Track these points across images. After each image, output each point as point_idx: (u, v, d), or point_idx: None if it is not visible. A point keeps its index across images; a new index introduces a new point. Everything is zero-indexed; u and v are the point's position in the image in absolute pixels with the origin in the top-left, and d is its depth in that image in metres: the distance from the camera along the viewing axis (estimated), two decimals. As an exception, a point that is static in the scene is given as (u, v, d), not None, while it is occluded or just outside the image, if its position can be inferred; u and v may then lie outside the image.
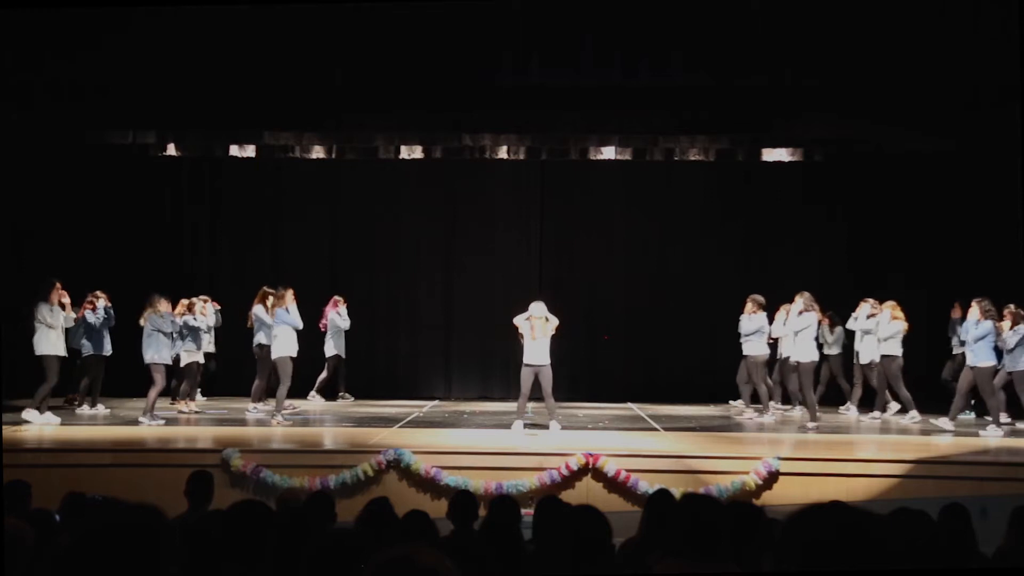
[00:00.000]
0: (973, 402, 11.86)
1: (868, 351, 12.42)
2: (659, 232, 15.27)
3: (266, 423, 11.38)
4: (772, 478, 8.71)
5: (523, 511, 5.23)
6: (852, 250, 14.60)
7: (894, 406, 12.32)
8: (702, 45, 11.86)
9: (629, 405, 13.72)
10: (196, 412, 12.16)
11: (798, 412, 12.22)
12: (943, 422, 11.10)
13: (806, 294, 11.53)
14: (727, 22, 11.55)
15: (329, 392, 13.86)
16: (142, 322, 11.30)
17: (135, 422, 11.04)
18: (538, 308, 10.78)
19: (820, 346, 13.12)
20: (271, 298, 11.79)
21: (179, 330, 11.75)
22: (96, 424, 11.10)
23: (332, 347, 13.60)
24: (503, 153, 14.04)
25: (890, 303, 12.23)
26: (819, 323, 13.08)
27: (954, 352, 12.53)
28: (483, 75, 12.29)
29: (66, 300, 11.43)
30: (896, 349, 12.01)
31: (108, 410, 12.02)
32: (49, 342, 11.02)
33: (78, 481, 7.04)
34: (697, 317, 12.75)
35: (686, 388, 13.42)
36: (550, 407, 10.76)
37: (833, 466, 9.01)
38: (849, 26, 11.29)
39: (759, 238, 15.06)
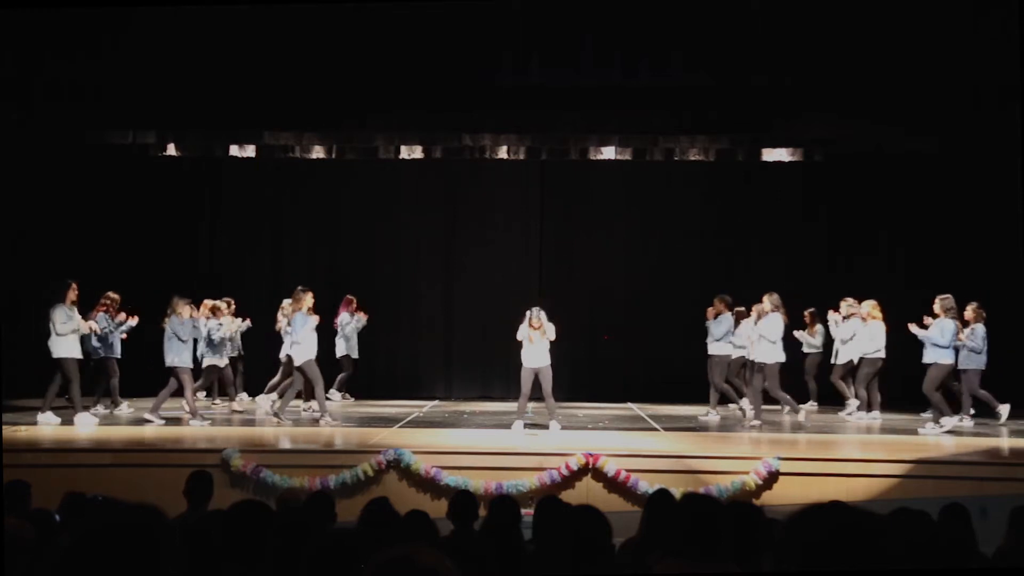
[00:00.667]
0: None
1: (847, 352, 12.46)
2: (659, 232, 15.27)
3: (268, 422, 11.40)
4: (772, 478, 8.71)
5: (523, 511, 5.23)
6: (852, 250, 14.59)
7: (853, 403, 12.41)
8: (702, 45, 11.87)
9: (629, 405, 13.72)
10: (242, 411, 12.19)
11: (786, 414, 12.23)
12: (952, 421, 11.14)
13: (774, 295, 11.52)
14: (727, 22, 11.56)
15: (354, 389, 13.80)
16: (164, 325, 11.28)
17: (137, 422, 11.05)
18: (536, 318, 10.77)
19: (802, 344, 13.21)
20: (293, 301, 11.58)
21: (203, 336, 11.57)
22: (97, 424, 11.06)
23: (343, 347, 13.55)
24: (503, 153, 14.04)
25: (870, 302, 12.25)
26: (805, 322, 13.13)
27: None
28: (483, 75, 12.31)
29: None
30: (877, 349, 12.06)
31: (131, 409, 12.00)
32: (66, 344, 10.98)
33: (78, 481, 7.03)
34: (697, 317, 12.73)
35: (686, 388, 13.41)
36: (550, 407, 10.77)
37: (833, 466, 9.01)
38: (849, 26, 11.30)
39: (759, 238, 15.06)
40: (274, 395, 12.16)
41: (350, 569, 2.80)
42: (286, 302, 12.56)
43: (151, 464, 8.82)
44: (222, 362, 12.52)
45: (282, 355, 12.58)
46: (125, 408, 11.98)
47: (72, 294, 11.11)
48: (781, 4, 11.46)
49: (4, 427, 8.42)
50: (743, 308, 12.37)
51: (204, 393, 12.98)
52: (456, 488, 7.88)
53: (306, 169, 14.83)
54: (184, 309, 11.26)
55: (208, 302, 12.37)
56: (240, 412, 12.23)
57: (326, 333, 13.08)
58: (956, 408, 11.57)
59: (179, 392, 11.22)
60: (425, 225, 15.33)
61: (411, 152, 14.11)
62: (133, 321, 12.02)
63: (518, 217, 15.37)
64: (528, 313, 10.77)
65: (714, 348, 12.46)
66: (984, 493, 7.95)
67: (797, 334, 13.13)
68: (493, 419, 11.91)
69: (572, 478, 8.75)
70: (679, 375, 13.08)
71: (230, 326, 12.55)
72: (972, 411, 11.67)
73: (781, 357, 11.40)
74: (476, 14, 11.43)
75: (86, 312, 11.50)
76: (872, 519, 2.40)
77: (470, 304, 15.07)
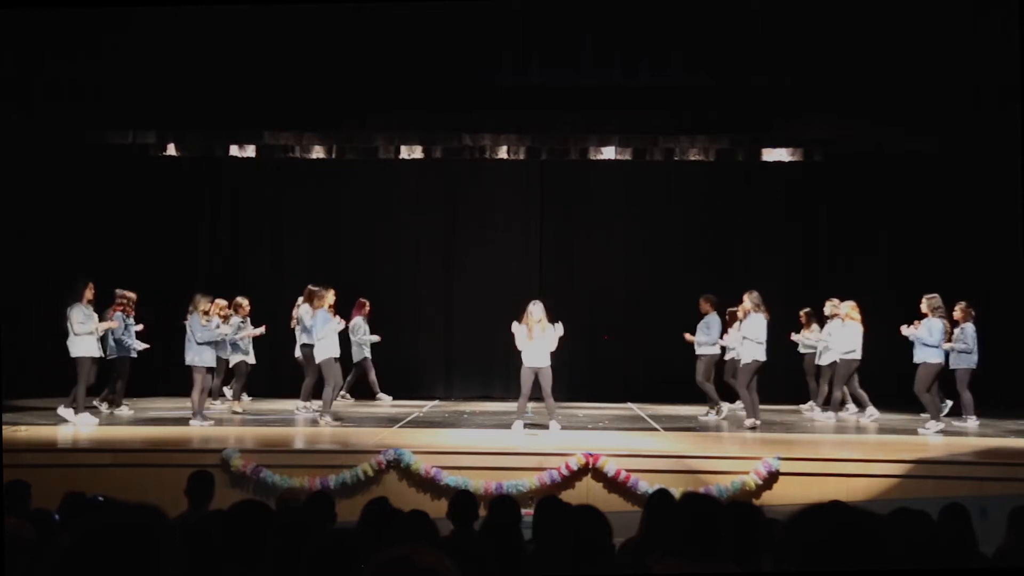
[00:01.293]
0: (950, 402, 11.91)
1: (830, 352, 12.51)
2: (659, 232, 15.26)
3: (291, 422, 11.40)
4: (772, 478, 8.71)
5: (523, 511, 5.23)
6: (852, 250, 14.59)
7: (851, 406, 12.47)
8: (702, 45, 11.87)
9: (629, 405, 13.72)
10: (238, 412, 12.21)
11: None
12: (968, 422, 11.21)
13: (754, 294, 11.51)
14: (727, 22, 11.56)
15: (366, 393, 13.80)
16: (185, 323, 11.27)
17: (136, 422, 11.05)
18: (536, 310, 10.75)
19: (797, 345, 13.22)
20: (315, 298, 11.59)
21: (218, 339, 11.57)
22: (100, 424, 11.04)
23: (360, 351, 13.51)
24: (503, 153, 14.03)
25: (849, 303, 12.27)
26: (801, 323, 13.14)
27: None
28: (483, 75, 12.31)
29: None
30: (851, 350, 12.08)
31: (131, 411, 11.99)
32: (84, 344, 10.97)
33: (78, 481, 7.03)
34: (697, 317, 12.74)
35: (686, 388, 13.40)
36: (550, 407, 10.76)
37: (833, 466, 9.01)
38: (849, 26, 11.30)
39: (759, 238, 15.06)
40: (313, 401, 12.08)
41: (350, 569, 2.80)
42: (300, 300, 12.60)
43: (151, 464, 8.81)
44: (251, 358, 12.56)
45: (297, 353, 12.60)
46: (126, 410, 11.96)
47: (89, 292, 11.12)
48: (781, 4, 11.46)
49: (4, 427, 8.42)
50: (735, 309, 12.39)
51: (241, 393, 12.96)
52: (456, 488, 7.88)
53: (306, 169, 14.83)
54: (204, 305, 11.22)
55: (220, 302, 12.31)
56: (240, 413, 12.22)
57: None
58: (957, 410, 11.59)
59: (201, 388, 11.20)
60: (425, 225, 15.33)
61: (411, 152, 14.11)
62: (138, 327, 12.03)
63: (518, 217, 15.37)
64: (528, 309, 10.74)
65: (701, 348, 12.49)
66: (984, 493, 7.96)
67: (795, 337, 13.14)
68: (493, 419, 11.91)
69: (572, 478, 8.75)
70: (679, 375, 13.07)
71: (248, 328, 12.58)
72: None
73: (761, 357, 11.35)
74: (476, 14, 11.43)
75: (101, 311, 11.49)
76: (872, 519, 2.40)
77: (470, 304, 15.06)
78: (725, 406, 12.59)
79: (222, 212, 15.37)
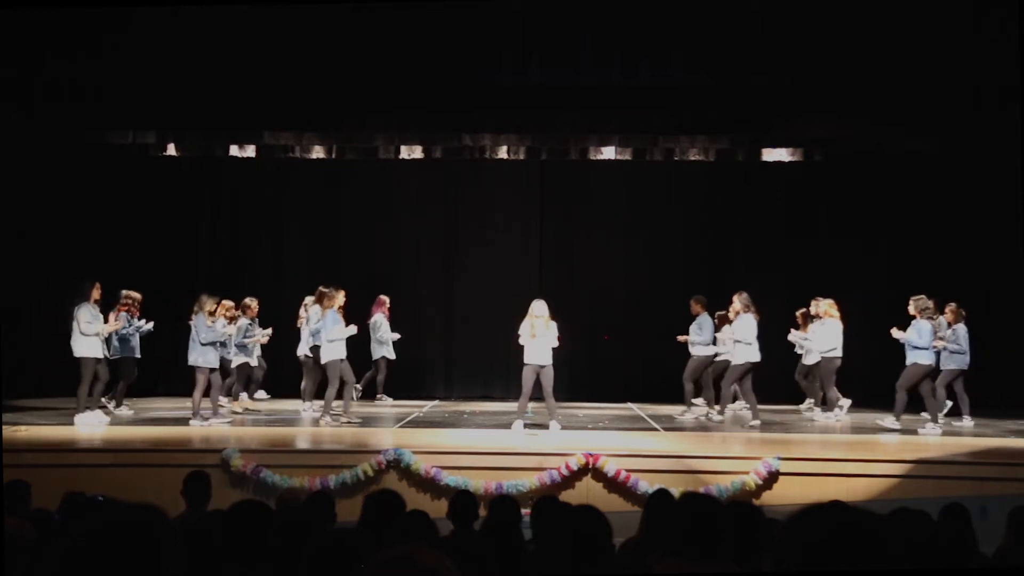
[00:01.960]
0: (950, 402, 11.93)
1: (813, 352, 12.55)
2: (659, 232, 15.26)
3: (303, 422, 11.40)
4: (772, 478, 8.72)
5: (523, 511, 5.23)
6: (852, 250, 14.57)
7: (846, 402, 12.43)
8: (702, 45, 11.87)
9: (629, 405, 13.72)
10: (241, 412, 12.21)
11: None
12: (964, 421, 11.25)
13: (744, 295, 11.54)
14: (727, 22, 11.55)
15: (370, 391, 13.80)
16: (191, 323, 11.26)
17: (136, 422, 11.05)
18: (539, 307, 10.76)
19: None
20: (325, 299, 11.54)
21: (221, 340, 11.52)
22: (99, 425, 11.04)
23: (379, 349, 13.48)
24: (503, 153, 14.03)
25: (828, 301, 12.28)
26: (798, 323, 13.14)
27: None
28: (483, 75, 12.30)
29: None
30: (831, 348, 12.09)
31: (131, 411, 11.99)
32: (88, 344, 10.96)
33: (78, 481, 7.03)
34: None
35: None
36: (550, 407, 10.76)
37: (833, 466, 9.01)
38: (849, 26, 11.30)
39: (759, 238, 15.05)
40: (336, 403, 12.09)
41: (350, 569, 2.80)
42: (308, 299, 12.60)
43: (151, 464, 8.81)
44: (253, 360, 12.59)
45: (299, 352, 12.60)
46: (125, 410, 11.96)
47: (96, 292, 11.11)
48: (781, 4, 11.46)
49: (4, 427, 8.42)
50: (724, 312, 12.40)
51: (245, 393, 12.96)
52: (456, 488, 7.88)
53: (306, 169, 14.83)
54: (210, 305, 11.21)
55: (227, 303, 12.30)
56: (239, 413, 12.23)
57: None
58: (956, 410, 11.61)
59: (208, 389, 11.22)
60: (425, 225, 15.32)
61: (411, 152, 14.10)
62: (149, 325, 12.04)
63: (518, 217, 15.36)
64: (532, 307, 10.75)
65: (695, 348, 12.50)
66: (984, 493, 7.96)
67: (792, 337, 13.13)
68: (493, 419, 11.90)
69: (572, 478, 8.75)
70: (679, 375, 13.06)
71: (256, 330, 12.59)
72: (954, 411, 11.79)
73: (754, 357, 11.34)
74: (476, 14, 11.43)
75: (105, 312, 11.48)
76: (872, 519, 2.40)
77: (470, 304, 15.06)
78: (697, 406, 12.64)
79: (222, 212, 15.37)
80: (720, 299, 12.98)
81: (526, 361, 10.67)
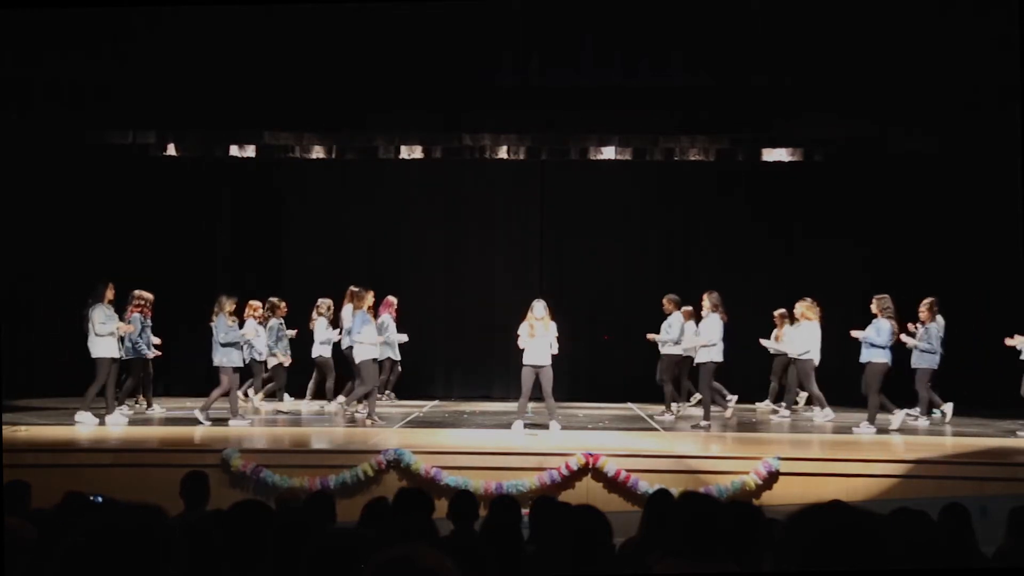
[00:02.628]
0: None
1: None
2: (659, 232, 15.25)
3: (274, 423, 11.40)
4: (772, 478, 8.71)
5: (523, 511, 5.23)
6: (853, 250, 14.58)
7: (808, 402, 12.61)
8: (702, 45, 11.86)
9: (629, 405, 13.72)
10: (287, 412, 12.27)
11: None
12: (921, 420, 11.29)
13: (714, 294, 11.53)
14: (727, 22, 11.55)
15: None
16: (212, 323, 11.28)
17: (137, 422, 11.05)
18: (539, 308, 10.77)
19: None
20: (356, 300, 11.60)
21: (240, 340, 11.49)
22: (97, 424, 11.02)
23: (385, 350, 13.47)
24: (503, 153, 14.03)
25: (804, 302, 12.30)
26: (774, 324, 13.16)
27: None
28: (483, 75, 12.30)
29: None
30: (805, 351, 12.11)
31: (164, 410, 12.04)
32: (104, 344, 10.96)
33: (78, 481, 7.03)
34: (697, 317, 12.74)
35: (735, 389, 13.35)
36: (550, 407, 10.76)
37: (833, 466, 9.01)
38: (849, 26, 11.29)
39: (759, 238, 15.05)
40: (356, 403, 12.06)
41: (350, 569, 2.80)
42: (322, 301, 12.61)
43: (151, 464, 8.81)
44: (287, 360, 12.63)
45: (314, 353, 12.60)
46: (158, 409, 12.03)
47: (110, 293, 11.12)
48: (781, 4, 11.46)
49: (4, 427, 8.42)
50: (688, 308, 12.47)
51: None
52: (456, 488, 7.88)
53: (306, 169, 14.83)
54: (229, 305, 11.23)
55: (253, 303, 12.34)
56: (285, 413, 12.33)
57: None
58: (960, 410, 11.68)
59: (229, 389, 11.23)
60: (425, 225, 15.32)
61: (411, 152, 14.10)
62: (156, 340, 12.14)
63: (518, 217, 15.37)
64: (532, 307, 10.76)
65: (665, 347, 12.51)
66: (984, 493, 7.96)
67: (764, 343, 13.15)
68: (493, 419, 11.91)
69: (572, 478, 8.75)
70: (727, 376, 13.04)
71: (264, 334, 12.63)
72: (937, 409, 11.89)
73: (717, 357, 11.35)
74: (476, 14, 11.43)
75: (119, 312, 11.49)
76: (872, 519, 2.40)
77: (470, 304, 15.06)
78: (677, 406, 12.69)
79: (222, 212, 15.37)
80: (722, 298, 12.98)
81: (525, 362, 10.67)
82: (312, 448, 10.03)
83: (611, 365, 14.88)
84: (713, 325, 11.32)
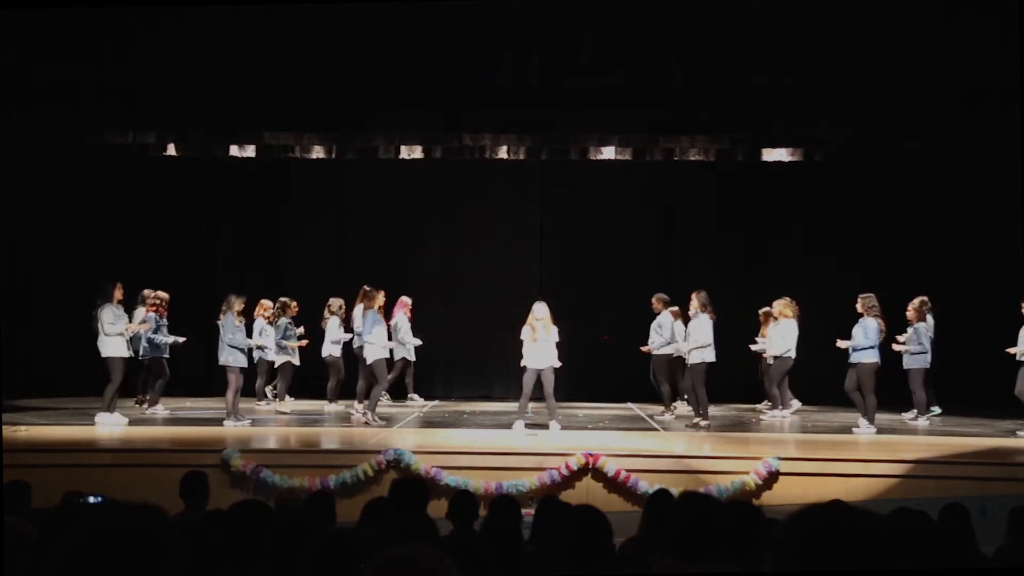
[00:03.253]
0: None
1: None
2: (659, 232, 15.25)
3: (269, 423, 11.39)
4: (772, 478, 8.71)
5: (523, 511, 5.23)
6: (853, 250, 14.57)
7: (795, 403, 12.62)
8: (702, 45, 11.86)
9: (629, 405, 13.71)
10: (288, 413, 12.30)
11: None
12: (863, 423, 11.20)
13: (702, 294, 11.50)
14: (727, 22, 11.55)
15: (396, 392, 13.82)
16: (219, 322, 11.27)
17: (137, 422, 11.05)
18: (540, 309, 10.77)
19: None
20: (367, 299, 11.61)
21: (244, 346, 11.48)
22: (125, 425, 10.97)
23: (399, 350, 13.45)
24: (503, 153, 14.02)
25: (781, 300, 12.33)
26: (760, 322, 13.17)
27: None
28: (483, 75, 12.30)
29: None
30: (782, 350, 12.13)
31: (168, 411, 12.02)
32: (114, 344, 10.96)
33: (78, 481, 7.03)
34: (684, 317, 12.75)
35: (720, 389, 13.35)
36: (551, 407, 10.76)
37: (833, 466, 9.01)
38: (849, 26, 11.30)
39: (759, 238, 15.05)
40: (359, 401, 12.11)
41: (350, 569, 2.80)
42: (333, 300, 12.64)
43: (151, 464, 8.80)
44: (296, 359, 12.65)
45: (324, 352, 12.60)
46: (160, 410, 12.00)
47: (119, 293, 11.12)
48: (781, 4, 11.46)
49: (4, 427, 8.42)
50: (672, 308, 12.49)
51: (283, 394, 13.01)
52: (456, 488, 7.88)
53: (306, 169, 14.82)
54: (238, 305, 11.23)
55: (265, 303, 12.39)
56: (286, 413, 12.34)
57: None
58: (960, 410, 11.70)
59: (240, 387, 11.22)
60: (425, 225, 15.32)
61: (411, 152, 14.09)
62: (181, 340, 12.15)
63: (518, 217, 15.36)
64: (533, 309, 10.76)
65: (655, 347, 12.49)
66: (984, 493, 7.95)
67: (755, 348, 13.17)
68: (493, 419, 11.91)
69: (572, 478, 8.75)
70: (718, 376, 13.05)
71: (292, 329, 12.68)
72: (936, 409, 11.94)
73: (710, 358, 11.34)
74: (476, 14, 11.43)
75: (128, 312, 11.51)
76: (872, 519, 2.40)
77: (470, 304, 15.06)
78: (675, 405, 12.73)
79: (222, 212, 15.36)
80: (720, 298, 12.96)
81: (527, 363, 10.67)
82: (312, 448, 10.03)
83: (611, 365, 14.87)
84: (704, 325, 11.30)
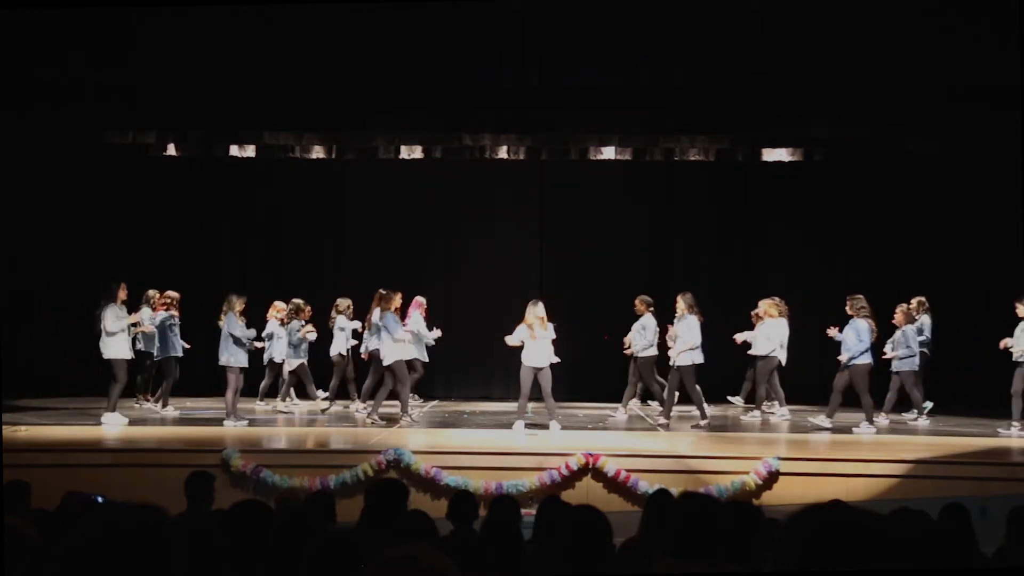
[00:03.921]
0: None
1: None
2: (659, 232, 15.24)
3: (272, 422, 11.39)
4: (772, 478, 8.71)
5: (523, 511, 5.22)
6: (853, 250, 14.58)
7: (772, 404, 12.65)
8: (702, 45, 11.87)
9: (629, 405, 13.69)
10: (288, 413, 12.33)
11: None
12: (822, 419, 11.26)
13: (688, 295, 11.49)
14: (727, 22, 11.56)
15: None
16: (220, 323, 11.28)
17: (137, 422, 11.05)
18: (537, 308, 10.77)
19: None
20: (383, 301, 11.59)
21: (255, 337, 11.51)
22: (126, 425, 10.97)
23: (412, 351, 13.46)
24: (503, 153, 14.02)
25: (767, 300, 12.36)
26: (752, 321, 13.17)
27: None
28: (484, 75, 12.31)
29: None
30: (767, 349, 12.15)
31: (177, 411, 12.02)
32: (117, 345, 10.96)
33: (78, 481, 7.03)
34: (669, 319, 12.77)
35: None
36: (549, 407, 10.76)
37: (833, 466, 9.02)
38: (850, 26, 11.30)
39: (759, 238, 15.05)
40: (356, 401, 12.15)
41: (350, 569, 2.80)
42: (340, 300, 12.69)
43: (151, 464, 8.81)
44: (304, 360, 12.70)
45: (332, 352, 12.67)
46: (171, 410, 12.01)
47: (122, 293, 11.14)
48: (781, 4, 11.46)
49: (4, 427, 8.42)
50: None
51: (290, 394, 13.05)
52: (456, 488, 7.88)
53: (306, 169, 14.82)
54: (239, 305, 11.24)
55: (278, 304, 12.45)
56: (286, 412, 12.38)
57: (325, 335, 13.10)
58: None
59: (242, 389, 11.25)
60: (425, 225, 15.31)
61: (411, 152, 14.09)
62: (187, 346, 12.22)
63: (518, 217, 15.35)
64: (529, 309, 10.77)
65: (648, 351, 12.47)
66: (984, 493, 7.96)
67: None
68: (493, 419, 11.91)
69: (572, 478, 8.75)
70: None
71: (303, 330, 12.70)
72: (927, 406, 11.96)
73: (699, 359, 11.32)
74: (476, 15, 11.43)
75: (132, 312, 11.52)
76: (872, 519, 2.40)
77: (470, 304, 15.05)
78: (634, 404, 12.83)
79: (221, 212, 15.35)
80: (720, 298, 12.99)
81: (524, 362, 10.68)
82: (312, 448, 10.03)
83: (611, 365, 14.85)
84: (692, 327, 11.28)
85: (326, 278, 14.65)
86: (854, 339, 11.02)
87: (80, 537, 2.19)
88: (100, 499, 5.30)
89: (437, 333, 13.01)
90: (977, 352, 12.26)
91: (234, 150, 14.03)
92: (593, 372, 14.68)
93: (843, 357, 11.14)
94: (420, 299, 13.13)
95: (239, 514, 3.89)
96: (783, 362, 12.51)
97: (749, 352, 12.91)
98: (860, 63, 11.69)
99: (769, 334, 12.21)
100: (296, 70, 12.05)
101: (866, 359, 11.06)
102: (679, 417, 12.46)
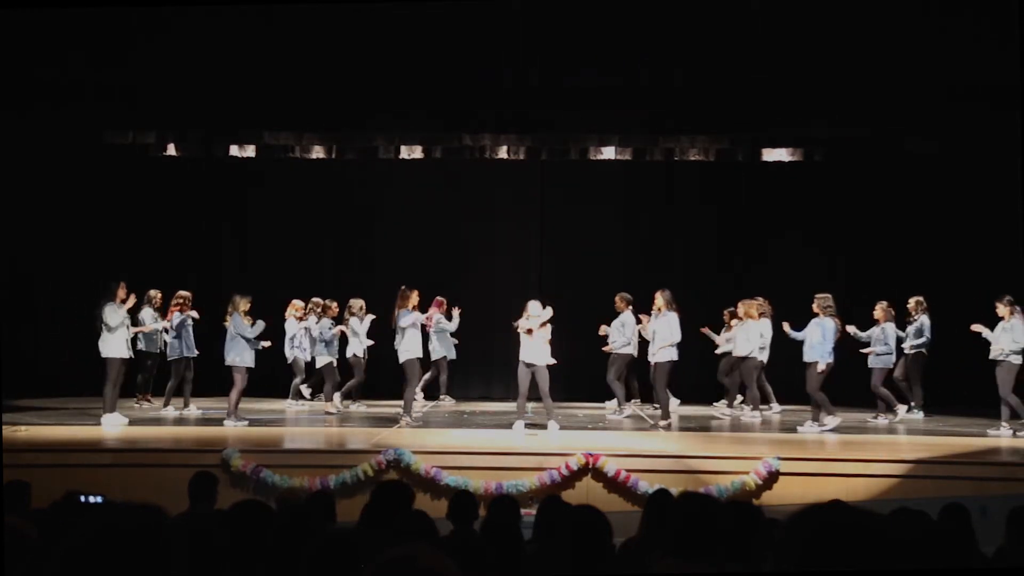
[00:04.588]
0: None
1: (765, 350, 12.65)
2: (659, 232, 15.24)
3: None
4: (772, 478, 8.71)
5: (523, 511, 5.22)
6: (853, 250, 14.58)
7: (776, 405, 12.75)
8: (702, 45, 11.87)
9: (629, 405, 13.69)
10: (335, 413, 12.35)
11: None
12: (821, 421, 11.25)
13: (666, 292, 11.46)
14: (727, 22, 11.56)
15: (432, 392, 13.92)
16: (226, 323, 11.28)
17: (137, 422, 11.05)
18: (534, 307, 10.79)
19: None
20: (401, 299, 11.59)
21: (252, 338, 11.48)
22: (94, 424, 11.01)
23: (439, 349, 13.46)
24: (503, 153, 14.03)
25: (748, 302, 12.37)
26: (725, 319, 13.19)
27: (905, 352, 12.49)
28: (484, 75, 12.31)
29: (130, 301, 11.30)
30: (746, 351, 12.18)
31: (200, 411, 12.03)
32: (115, 344, 10.97)
33: (78, 481, 7.03)
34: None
35: (686, 388, 13.41)
36: (548, 407, 10.76)
37: (833, 466, 9.02)
38: (850, 26, 11.31)
39: (759, 238, 15.05)
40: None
41: (350, 569, 2.80)
42: (353, 301, 12.75)
43: (151, 464, 8.81)
44: (334, 359, 12.76)
45: (348, 353, 12.69)
46: (194, 410, 12.03)
47: (122, 292, 11.14)
48: (781, 4, 11.46)
49: (4, 427, 8.41)
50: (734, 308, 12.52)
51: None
52: (456, 488, 7.88)
53: (306, 169, 14.82)
54: (244, 305, 11.23)
55: (296, 303, 12.46)
56: (333, 413, 12.38)
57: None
58: (901, 400, 11.88)
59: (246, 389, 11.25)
60: (425, 225, 15.31)
61: (411, 152, 14.10)
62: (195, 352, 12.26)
63: (518, 217, 15.36)
64: (527, 307, 10.79)
65: (625, 348, 12.46)
66: (984, 493, 7.95)
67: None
68: (493, 419, 11.91)
69: (572, 478, 8.75)
70: (679, 375, 13.05)
71: (317, 327, 12.76)
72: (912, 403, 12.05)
73: (674, 356, 11.32)
74: (476, 15, 11.44)
75: (133, 313, 11.52)
76: (872, 519, 2.40)
77: (470, 304, 15.03)
78: (630, 405, 12.80)
79: (221, 212, 15.35)
80: (720, 298, 12.97)
81: (521, 359, 10.70)
82: (312, 448, 10.03)
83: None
84: (672, 323, 11.26)
85: (325, 278, 14.65)
86: (819, 337, 10.99)
87: (80, 537, 2.19)
88: (100, 499, 5.29)
89: (456, 320, 13.16)
90: (976, 352, 12.24)
91: (234, 150, 14.04)
92: (592, 372, 14.66)
93: (807, 356, 11.12)
94: (440, 299, 13.26)
95: (239, 514, 3.89)
96: (764, 362, 12.53)
97: (717, 352, 12.98)
98: (860, 63, 11.69)
99: (748, 335, 12.20)
100: (296, 70, 12.05)
101: (828, 358, 11.03)
102: (683, 417, 12.48)
